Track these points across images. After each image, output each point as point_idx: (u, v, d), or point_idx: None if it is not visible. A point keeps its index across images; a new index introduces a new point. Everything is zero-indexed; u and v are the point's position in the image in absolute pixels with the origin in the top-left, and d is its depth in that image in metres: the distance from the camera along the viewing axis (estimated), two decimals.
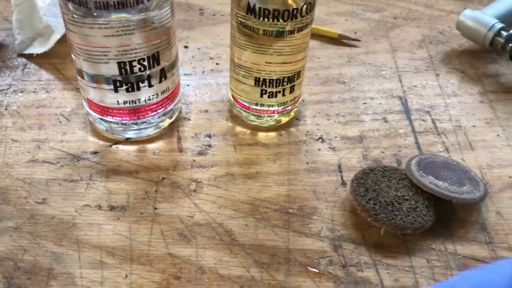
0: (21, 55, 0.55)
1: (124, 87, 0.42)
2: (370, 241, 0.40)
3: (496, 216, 0.42)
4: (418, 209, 0.40)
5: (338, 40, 0.59)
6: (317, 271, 0.38)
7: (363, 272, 0.38)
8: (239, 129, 0.49)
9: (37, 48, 0.54)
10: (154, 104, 0.45)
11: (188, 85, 0.53)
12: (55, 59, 0.54)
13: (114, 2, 0.37)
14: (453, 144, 0.48)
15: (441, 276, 0.38)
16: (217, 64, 0.55)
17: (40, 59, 0.54)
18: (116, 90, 0.42)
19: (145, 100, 0.44)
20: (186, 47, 0.57)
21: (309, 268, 0.38)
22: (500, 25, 0.55)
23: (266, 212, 0.42)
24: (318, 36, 0.59)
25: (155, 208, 0.42)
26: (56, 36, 0.53)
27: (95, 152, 0.46)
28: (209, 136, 0.48)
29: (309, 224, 0.41)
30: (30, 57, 0.54)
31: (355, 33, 0.61)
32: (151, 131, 0.47)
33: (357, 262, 0.39)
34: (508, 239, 0.41)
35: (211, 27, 0.60)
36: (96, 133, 0.47)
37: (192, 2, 0.64)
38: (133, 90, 0.43)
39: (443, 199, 0.41)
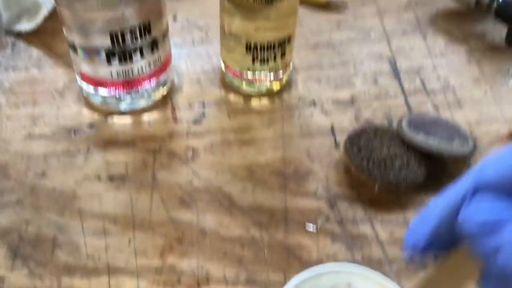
0: (9, 34, 0.54)
1: (117, 58, 0.43)
2: (365, 198, 0.42)
3: None
4: (410, 166, 0.42)
5: (326, 6, 0.60)
6: (314, 228, 0.39)
7: (359, 228, 0.40)
8: (232, 97, 0.49)
9: (25, 25, 0.54)
10: (147, 74, 0.45)
11: (178, 56, 0.53)
12: (45, 36, 0.54)
13: None
14: (442, 103, 0.49)
15: None
16: (207, 34, 0.56)
17: (29, 37, 0.54)
18: (109, 62, 0.43)
19: (137, 71, 0.44)
20: (175, 18, 0.57)
21: (306, 224, 0.40)
22: None
23: (262, 175, 0.43)
24: (307, 2, 0.59)
25: (154, 177, 0.43)
26: (43, 12, 0.52)
27: (90, 125, 0.46)
28: (203, 105, 0.49)
29: (305, 185, 0.42)
30: (19, 35, 0.54)
31: None
32: (145, 103, 0.47)
33: (352, 218, 0.40)
34: None
35: None
36: (91, 106, 0.48)
37: None
38: (125, 61, 0.43)
39: (434, 154, 0.42)
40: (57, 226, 0.39)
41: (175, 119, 0.47)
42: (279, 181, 0.42)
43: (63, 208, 0.40)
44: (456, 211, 0.21)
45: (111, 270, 0.37)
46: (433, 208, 0.22)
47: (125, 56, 0.43)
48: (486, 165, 0.21)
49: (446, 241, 0.22)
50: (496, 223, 0.19)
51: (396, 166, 0.41)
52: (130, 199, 0.41)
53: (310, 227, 0.39)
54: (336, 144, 0.46)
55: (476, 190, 0.20)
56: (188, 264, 0.37)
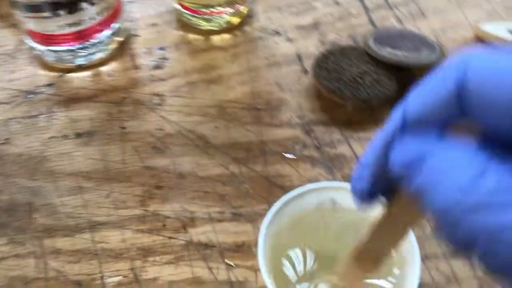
0: None
1: (64, 9, 0.40)
2: (339, 120, 0.41)
3: None
4: (381, 81, 0.41)
5: None
6: (293, 156, 0.39)
7: (337, 149, 0.39)
8: (191, 36, 0.48)
9: None
10: (99, 23, 0.43)
11: (130, 1, 0.50)
12: None
13: None
14: (406, 15, 0.48)
15: None
16: None
17: None
18: (56, 15, 0.40)
19: (88, 20, 0.42)
20: None
21: (284, 154, 0.39)
22: None
23: (234, 112, 0.42)
24: None
25: (123, 128, 0.41)
26: None
27: (49, 85, 0.44)
28: (162, 48, 0.47)
29: (278, 116, 0.42)
30: None
31: None
32: (101, 54, 0.45)
33: (330, 141, 0.40)
34: None
35: None
36: (46, 66, 0.45)
37: None
38: (74, 11, 0.41)
39: (403, 67, 0.42)
40: (31, 191, 0.38)
41: (135, 67, 0.45)
42: (252, 115, 0.42)
43: (33, 172, 0.39)
44: (387, 153, 0.19)
45: (93, 226, 0.36)
46: (368, 153, 0.20)
47: (73, 6, 0.40)
48: (409, 97, 0.19)
49: (387, 185, 0.20)
50: (418, 160, 0.17)
51: (367, 83, 0.41)
52: (102, 154, 0.40)
53: (289, 156, 0.39)
54: (305, 71, 0.45)
55: (403, 127, 0.18)
56: (171, 208, 0.37)
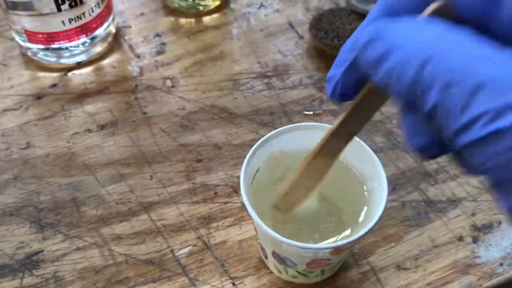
0: None
1: (67, 3, 0.40)
2: None
3: None
4: None
5: None
6: (314, 112, 0.42)
7: (353, 98, 0.43)
8: (182, 20, 0.49)
9: None
10: (97, 16, 0.43)
11: None
12: None
13: None
14: None
15: None
16: None
17: None
18: (59, 9, 0.40)
19: (89, 13, 0.42)
20: None
21: (305, 113, 0.42)
22: None
23: (247, 82, 0.44)
24: None
25: (144, 113, 0.42)
26: None
27: (53, 85, 0.43)
28: (158, 35, 0.47)
29: (289, 79, 0.44)
30: None
31: None
32: (100, 48, 0.45)
33: None
34: None
35: None
36: (43, 68, 0.44)
37: None
38: (76, 5, 0.40)
39: None
40: (71, 187, 0.37)
41: (137, 56, 0.46)
42: (264, 83, 0.44)
43: (67, 169, 0.38)
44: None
45: (147, 207, 0.36)
46: (348, 40, 0.21)
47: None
48: None
49: (360, 80, 0.20)
50: (382, 30, 0.17)
51: None
52: (131, 140, 0.40)
53: (310, 112, 0.42)
54: (300, 36, 0.47)
55: (379, 16, 0.19)
56: (217, 177, 0.38)
